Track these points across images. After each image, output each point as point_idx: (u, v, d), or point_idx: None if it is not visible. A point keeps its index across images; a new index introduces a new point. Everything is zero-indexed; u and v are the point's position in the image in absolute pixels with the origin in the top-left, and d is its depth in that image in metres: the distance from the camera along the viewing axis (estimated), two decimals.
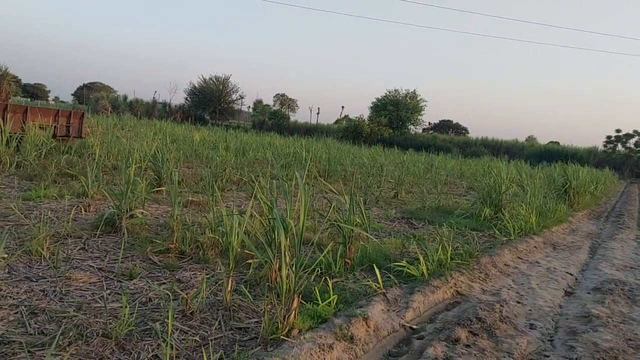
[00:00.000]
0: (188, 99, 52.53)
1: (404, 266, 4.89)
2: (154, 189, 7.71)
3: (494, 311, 4.18)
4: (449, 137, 50.18)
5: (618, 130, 42.80)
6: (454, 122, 65.37)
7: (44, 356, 2.67)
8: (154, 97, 49.74)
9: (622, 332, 4.09)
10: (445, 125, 63.62)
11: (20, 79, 39.83)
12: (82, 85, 62.33)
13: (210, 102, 51.59)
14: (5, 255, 4.13)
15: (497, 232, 7.54)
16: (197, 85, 52.18)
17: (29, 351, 2.70)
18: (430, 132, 56.55)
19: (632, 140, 42.37)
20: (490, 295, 4.83)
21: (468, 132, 61.24)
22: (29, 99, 52.14)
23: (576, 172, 14.14)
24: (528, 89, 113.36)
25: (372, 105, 50.80)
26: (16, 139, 9.82)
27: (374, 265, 4.60)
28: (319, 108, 58.65)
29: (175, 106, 50.31)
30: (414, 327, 3.86)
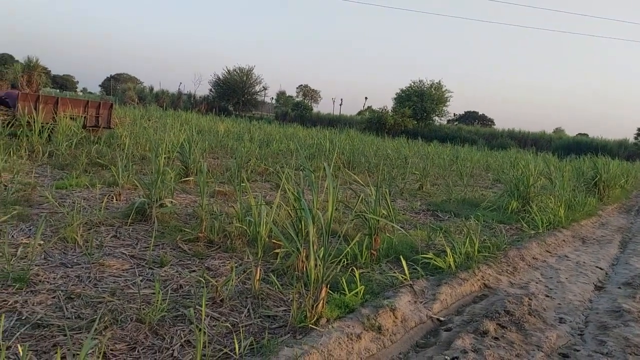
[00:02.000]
0: (212, 90, 52.96)
1: (431, 258, 4.87)
2: (182, 179, 7.83)
3: (523, 304, 4.15)
4: (475, 128, 49.51)
5: None
6: (480, 113, 64.47)
7: (82, 339, 2.76)
8: (179, 89, 50.34)
9: None
10: (470, 117, 62.76)
11: (50, 71, 40.68)
12: (109, 76, 63.44)
13: (234, 93, 51.90)
14: (42, 242, 4.26)
15: (524, 225, 7.44)
16: (221, 77, 52.55)
17: (67, 334, 2.79)
18: (455, 123, 55.86)
19: None
20: (519, 288, 4.79)
21: (494, 124, 60.36)
22: (58, 90, 53.28)
23: (606, 165, 13.82)
24: (556, 80, 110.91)
25: (396, 96, 50.39)
26: (48, 129, 10.08)
27: (401, 256, 4.60)
28: (341, 99, 58.73)
29: (200, 97, 50.78)
30: (442, 318, 3.86)
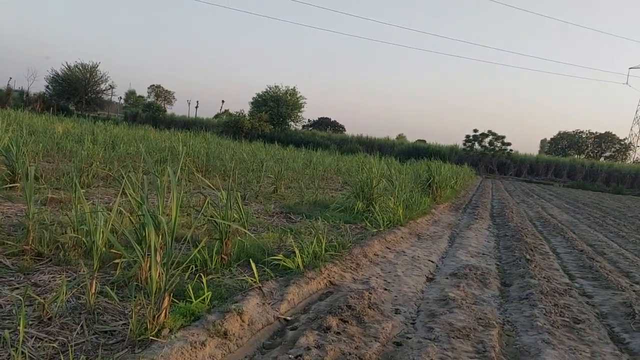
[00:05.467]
0: (50, 87, 47.92)
1: (281, 259, 4.97)
2: (7, 186, 6.94)
3: (363, 299, 4.43)
4: (327, 134, 51.86)
5: (475, 130, 47.56)
6: (332, 119, 67.59)
7: None
8: (8, 84, 44.67)
9: (473, 312, 4.55)
10: (324, 123, 65.51)
11: None
12: None
13: (75, 91, 47.56)
14: None
15: (368, 224, 7.96)
16: (60, 73, 47.79)
17: None
18: (310, 128, 57.89)
19: (487, 140, 47.34)
20: (361, 283, 5.10)
21: (345, 130, 63.78)
22: None
23: (439, 168, 15.43)
24: (400, 91, 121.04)
25: (252, 100, 50.68)
26: None
27: (251, 260, 4.61)
28: (197, 101, 57.30)
29: (35, 95, 45.62)
30: (288, 318, 3.95)
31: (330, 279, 5.04)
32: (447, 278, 5.88)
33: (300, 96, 50.56)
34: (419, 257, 6.80)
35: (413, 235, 8.41)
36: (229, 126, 43.16)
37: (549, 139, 74.77)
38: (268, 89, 50.40)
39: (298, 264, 4.97)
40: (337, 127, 64.98)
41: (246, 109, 49.91)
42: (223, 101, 76.48)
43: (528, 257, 7.18)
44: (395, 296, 4.88)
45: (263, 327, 3.66)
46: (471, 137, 47.71)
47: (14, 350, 2.63)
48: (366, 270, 5.65)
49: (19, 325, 2.99)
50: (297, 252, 5.09)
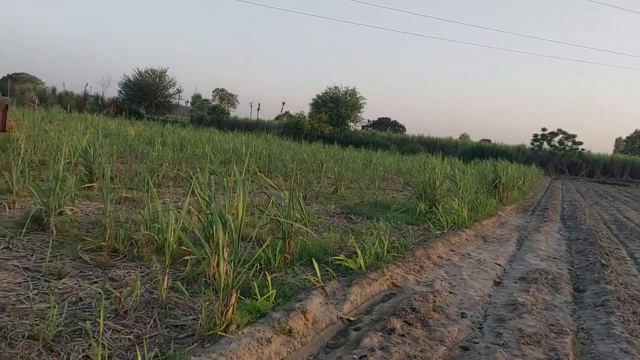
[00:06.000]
0: (122, 92, 50.61)
1: (342, 260, 4.98)
2: (85, 185, 7.39)
3: (428, 301, 4.35)
4: (387, 134, 51.40)
5: (544, 129, 45.49)
6: (392, 119, 66.94)
7: None
8: (85, 90, 47.58)
9: (545, 318, 4.36)
10: (383, 123, 65.00)
11: None
12: (5, 76, 58.42)
13: (146, 95, 49.96)
14: None
15: (431, 225, 7.82)
16: (132, 79, 50.37)
17: None
18: (370, 129, 57.62)
19: (556, 139, 45.16)
20: (424, 286, 5.01)
21: (405, 130, 62.96)
22: None
23: (505, 169, 14.90)
24: (463, 89, 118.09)
25: (312, 101, 51.11)
26: None
27: (313, 259, 4.65)
28: (259, 104, 58.49)
29: (109, 99, 48.31)
30: (351, 318, 3.95)
31: (393, 280, 4.99)
32: (515, 282, 5.66)
33: (360, 96, 50.49)
34: (485, 260, 6.59)
35: (478, 238, 8.17)
36: (290, 127, 43.76)
37: (624, 137, 70.21)
38: (328, 90, 50.68)
39: (360, 265, 4.96)
40: (397, 127, 64.30)
41: (306, 110, 50.40)
42: (284, 103, 77.82)
43: (603, 261, 6.78)
44: (461, 300, 4.76)
45: (326, 326, 3.68)
46: (539, 136, 45.71)
47: (94, 341, 2.79)
48: (430, 273, 5.55)
49: (98, 317, 3.18)
50: (359, 252, 5.08)
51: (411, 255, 5.83)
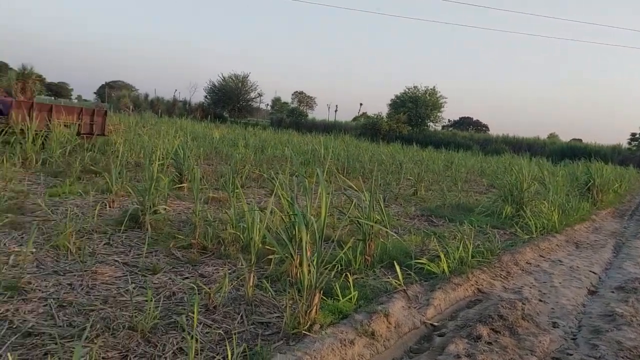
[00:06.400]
0: (207, 97, 53.06)
1: (425, 263, 4.88)
2: (176, 186, 7.81)
3: (516, 309, 4.15)
4: (469, 134, 49.74)
5: None
6: (474, 119, 64.76)
7: (73, 347, 2.74)
8: (174, 96, 50.38)
9: None
10: (465, 122, 63.04)
11: (44, 78, 40.65)
12: (104, 83, 63.24)
13: (229, 100, 52.03)
14: (34, 250, 4.24)
15: (518, 230, 7.46)
16: (216, 84, 52.69)
17: (58, 343, 2.77)
18: (450, 129, 56.10)
19: None
20: (512, 293, 4.79)
21: (488, 130, 60.62)
22: (52, 98, 53.11)
23: (599, 170, 13.89)
24: (552, 86, 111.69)
25: (390, 102, 50.66)
26: (42, 136, 10.04)
27: (394, 262, 4.60)
28: (337, 105, 58.80)
29: (195, 104, 50.84)
30: (435, 324, 3.86)
31: (478, 286, 4.82)
32: (612, 292, 5.27)
33: (440, 96, 49.34)
34: (578, 267, 6.18)
35: (570, 243, 7.68)
36: (367, 128, 43.64)
37: None
38: (406, 89, 49.99)
39: (443, 269, 4.83)
40: (479, 126, 62.11)
41: (384, 111, 50.02)
42: (361, 104, 77.60)
43: None
44: (552, 308, 4.49)
45: (409, 330, 3.63)
46: (638, 135, 42.23)
47: (187, 335, 2.94)
48: (518, 279, 5.30)
49: (190, 311, 3.35)
50: (442, 256, 4.96)
51: (497, 261, 5.60)
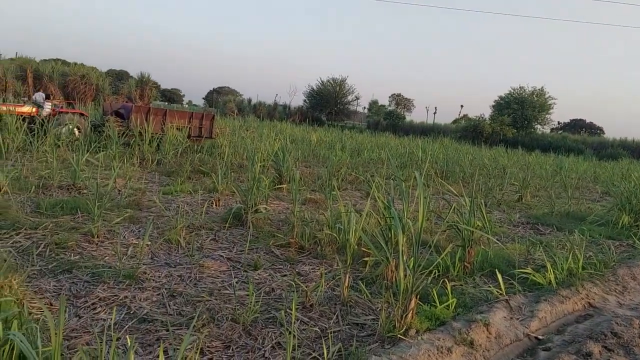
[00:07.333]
0: (306, 100, 54.33)
1: (529, 273, 4.62)
2: (276, 186, 8.11)
3: (633, 327, 3.79)
4: (581, 137, 46.06)
5: None
6: (587, 121, 59.92)
7: (182, 335, 2.95)
8: (275, 100, 52.15)
9: None
10: (576, 125, 58.57)
11: (159, 85, 44.13)
12: (212, 89, 67.22)
13: (327, 103, 52.86)
14: (149, 243, 4.63)
15: (637, 241, 6.79)
16: (315, 88, 53.79)
17: (169, 330, 3.01)
18: (560, 132, 52.42)
19: None
20: (629, 309, 4.38)
21: (603, 133, 55.72)
22: (166, 103, 57.44)
23: None
24: None
25: (494, 103, 48.38)
26: (157, 139, 10.92)
27: (496, 270, 4.40)
28: (435, 107, 57.21)
29: (294, 108, 52.26)
30: (540, 337, 3.64)
31: (589, 300, 4.46)
32: None
33: (549, 97, 46.22)
34: None
35: None
36: (468, 131, 42.06)
37: None
38: (512, 90, 47.45)
39: (549, 280, 4.54)
40: (593, 129, 57.36)
41: (486, 112, 47.93)
42: (462, 106, 75.05)
43: None
44: None
45: (511, 342, 3.45)
46: None
47: (285, 330, 3.05)
48: (635, 295, 4.83)
49: (288, 308, 3.47)
50: (548, 266, 4.66)
51: (612, 274, 5.15)
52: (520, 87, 47.16)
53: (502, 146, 30.32)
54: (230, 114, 36.38)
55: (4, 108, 10.29)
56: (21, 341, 2.04)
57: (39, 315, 2.90)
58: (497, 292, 4.10)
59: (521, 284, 4.48)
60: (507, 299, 4.00)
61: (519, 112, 44.71)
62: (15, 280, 2.92)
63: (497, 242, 5.02)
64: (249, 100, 50.98)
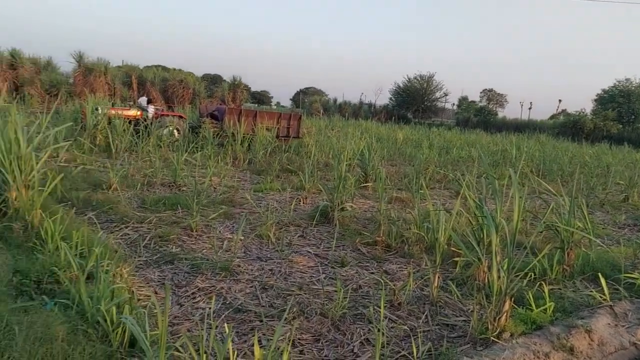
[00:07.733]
0: (392, 99, 53.79)
1: (636, 278, 4.25)
2: (361, 185, 8.12)
3: None
4: None
5: None
6: None
7: (274, 326, 3.06)
8: (360, 99, 52.13)
9: None
10: None
11: (250, 87, 45.80)
12: (298, 90, 68.65)
13: (413, 101, 51.99)
14: (242, 238, 4.83)
15: None
16: (401, 85, 53.11)
17: (262, 320, 3.13)
18: None
19: None
20: None
21: None
22: (256, 104, 59.56)
23: None
24: None
25: (596, 97, 44.98)
26: (248, 139, 11.36)
27: (599, 274, 4.10)
28: (530, 103, 54.42)
29: (380, 107, 51.95)
30: None
31: None
32: None
33: None
34: None
35: None
36: (567, 127, 39.40)
37: None
38: (617, 83, 43.86)
39: None
40: None
41: (587, 107, 44.62)
42: (560, 100, 70.48)
43: None
44: None
45: (615, 350, 3.21)
46: None
47: (374, 327, 3.06)
48: None
49: (376, 305, 3.47)
50: None
51: None
52: (626, 80, 43.44)
53: (606, 143, 28.05)
54: (316, 114, 36.98)
55: (114, 112, 11.21)
56: (132, 325, 2.23)
57: (145, 302, 3.14)
58: (600, 297, 3.82)
59: (627, 290, 4.15)
60: (611, 305, 3.72)
61: (625, 106, 41.20)
62: (125, 269, 3.19)
63: (601, 244, 4.66)
64: (335, 100, 51.38)
